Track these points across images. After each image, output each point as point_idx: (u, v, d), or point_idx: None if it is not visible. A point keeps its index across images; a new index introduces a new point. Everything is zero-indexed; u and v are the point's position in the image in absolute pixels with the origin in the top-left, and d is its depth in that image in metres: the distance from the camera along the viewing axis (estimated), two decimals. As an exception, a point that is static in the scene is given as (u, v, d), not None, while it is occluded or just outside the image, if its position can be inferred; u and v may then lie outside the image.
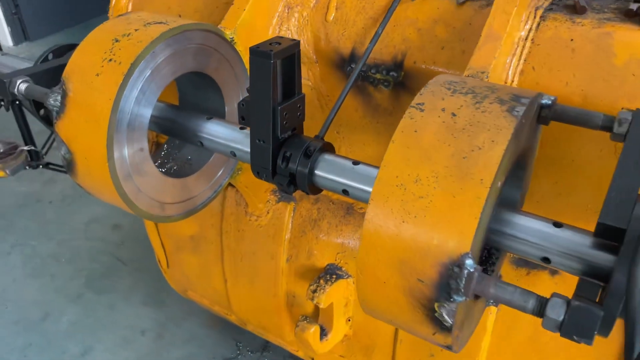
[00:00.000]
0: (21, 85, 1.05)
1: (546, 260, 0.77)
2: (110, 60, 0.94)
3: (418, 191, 0.69)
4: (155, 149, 1.26)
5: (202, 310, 2.10)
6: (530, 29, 1.01)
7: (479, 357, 1.22)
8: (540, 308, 0.63)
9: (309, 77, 1.29)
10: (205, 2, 1.34)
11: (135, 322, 2.21)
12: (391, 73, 1.15)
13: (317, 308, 1.39)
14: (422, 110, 0.73)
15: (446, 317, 0.70)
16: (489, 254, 0.92)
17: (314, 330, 1.36)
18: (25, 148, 2.80)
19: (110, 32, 0.98)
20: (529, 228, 0.78)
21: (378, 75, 1.17)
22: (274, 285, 1.49)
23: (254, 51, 0.88)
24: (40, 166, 2.91)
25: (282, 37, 0.92)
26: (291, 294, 1.48)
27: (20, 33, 4.73)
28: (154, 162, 1.17)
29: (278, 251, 1.44)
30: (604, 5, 1.05)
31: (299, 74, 0.95)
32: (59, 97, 0.98)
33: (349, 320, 1.43)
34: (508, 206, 0.84)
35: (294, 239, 1.41)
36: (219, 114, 1.17)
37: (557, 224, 0.77)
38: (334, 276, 1.34)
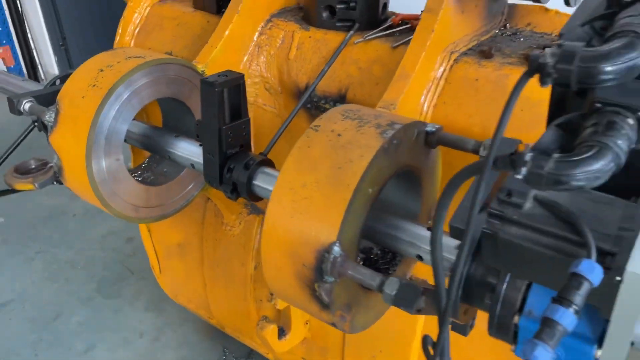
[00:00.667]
0: (26, 105, 1.29)
1: (420, 258, 0.93)
2: (94, 85, 1.16)
3: (304, 193, 0.87)
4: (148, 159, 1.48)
5: (197, 317, 2.29)
6: (444, 70, 1.18)
7: (410, 358, 1.36)
8: (381, 285, 0.79)
9: (275, 106, 1.49)
10: (193, 40, 1.57)
11: (136, 326, 2.41)
12: (337, 104, 1.34)
13: (278, 311, 1.56)
14: (316, 131, 0.92)
15: (324, 295, 0.86)
16: (394, 256, 1.08)
17: (271, 328, 1.52)
18: (54, 164, 3.09)
19: (98, 63, 1.21)
20: (406, 230, 0.94)
21: (327, 106, 1.36)
22: (244, 290, 1.66)
23: (203, 81, 1.09)
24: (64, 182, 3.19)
25: (230, 71, 1.13)
26: (259, 298, 1.66)
27: (66, 62, 5.13)
28: (135, 172, 1.39)
29: (248, 259, 1.62)
30: (514, 50, 1.22)
31: (244, 101, 1.15)
32: (53, 115, 1.21)
33: (307, 323, 1.59)
34: (402, 214, 1.00)
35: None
36: (192, 134, 1.38)
37: (429, 228, 0.93)
38: (291, 281, 1.51)
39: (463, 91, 1.15)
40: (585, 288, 0.59)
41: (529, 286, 0.78)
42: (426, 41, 1.13)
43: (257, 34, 1.47)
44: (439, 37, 1.15)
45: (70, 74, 1.42)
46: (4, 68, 4.59)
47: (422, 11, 1.18)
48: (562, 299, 0.58)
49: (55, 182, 3.06)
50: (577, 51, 0.54)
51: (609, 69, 0.53)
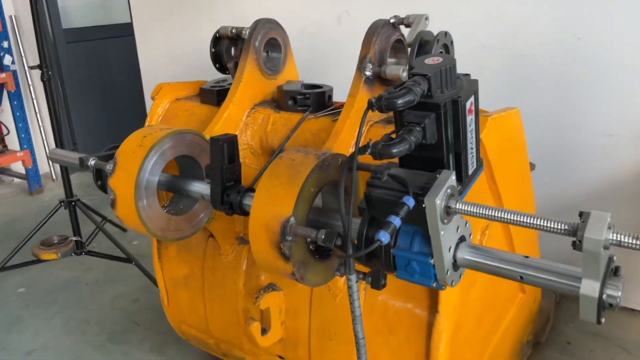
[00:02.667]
0: (92, 161, 1.93)
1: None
2: (141, 145, 1.82)
3: (273, 191, 1.50)
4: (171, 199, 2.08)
5: (194, 357, 2.79)
6: (364, 131, 1.87)
7: (355, 333, 1.91)
8: (317, 235, 1.40)
9: (257, 164, 2.15)
10: (200, 124, 2.25)
11: (143, 364, 2.89)
12: (298, 158, 2.00)
13: (260, 313, 2.11)
14: (281, 158, 1.57)
15: (286, 250, 1.46)
16: (333, 244, 1.68)
17: (256, 325, 2.06)
18: (74, 239, 3.73)
19: (142, 132, 1.88)
20: (337, 219, 1.56)
21: (292, 160, 2.02)
22: (235, 303, 2.22)
23: (212, 138, 1.75)
24: (83, 253, 3.81)
25: (228, 133, 1.80)
26: (246, 310, 2.21)
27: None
28: (164, 206, 2.00)
29: (238, 278, 2.20)
30: (409, 119, 1.91)
31: (237, 151, 1.80)
32: (112, 165, 1.84)
33: (283, 324, 2.13)
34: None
35: (249, 269, 2.18)
36: (200, 178, 2.01)
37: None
38: (270, 289, 2.08)
39: (375, 143, 1.82)
40: (405, 208, 1.22)
41: (398, 232, 1.40)
42: (349, 113, 1.82)
43: (245, 116, 2.17)
44: (358, 111, 1.85)
45: (115, 145, 2.08)
46: (23, 169, 5.26)
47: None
48: (394, 212, 1.21)
49: (73, 254, 3.69)
50: (383, 95, 1.21)
51: (399, 101, 1.20)
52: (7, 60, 4.85)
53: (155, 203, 1.87)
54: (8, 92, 4.96)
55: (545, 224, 1.14)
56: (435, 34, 1.83)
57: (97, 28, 5.83)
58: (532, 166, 2.23)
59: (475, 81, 1.34)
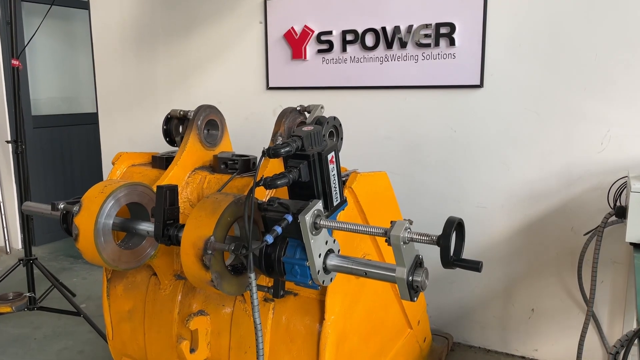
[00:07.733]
0: (61, 205, 2.46)
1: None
2: (101, 192, 2.37)
3: (200, 218, 2.07)
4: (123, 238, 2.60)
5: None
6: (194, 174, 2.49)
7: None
8: (230, 247, 1.96)
9: (194, 215, 2.72)
10: (151, 182, 2.83)
11: (84, 402, 3.21)
12: (226, 208, 2.59)
13: (190, 333, 2.58)
14: (208, 197, 2.16)
15: (207, 261, 2.01)
16: (246, 265, 2.24)
17: (185, 343, 2.53)
18: (27, 294, 4.12)
19: (103, 183, 2.44)
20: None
21: (221, 209, 2.60)
22: (170, 329, 2.68)
23: (158, 186, 2.33)
24: (35, 308, 4.18)
25: (170, 184, 2.38)
26: (179, 334, 2.67)
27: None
28: (117, 242, 2.53)
29: (174, 308, 2.68)
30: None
31: (177, 197, 2.37)
32: (78, 207, 2.38)
33: (208, 344, 2.60)
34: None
35: (183, 300, 2.67)
36: (147, 220, 2.55)
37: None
38: (199, 314, 2.57)
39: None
40: (285, 222, 1.81)
41: (287, 244, 1.98)
42: (266, 167, 2.46)
43: (186, 177, 2.77)
44: (269, 171, 2.48)
45: (78, 197, 2.63)
46: (-20, 240, 5.58)
47: (263, 160, 2.54)
48: (278, 224, 1.81)
49: (26, 309, 4.12)
50: (271, 147, 1.85)
51: (281, 151, 1.84)
52: (-24, 141, 5.36)
53: (110, 238, 2.40)
54: (-26, 170, 5.42)
55: (369, 230, 1.76)
56: (328, 117, 2.53)
57: (62, 116, 6.46)
58: (409, 222, 2.87)
59: (335, 143, 2.00)
